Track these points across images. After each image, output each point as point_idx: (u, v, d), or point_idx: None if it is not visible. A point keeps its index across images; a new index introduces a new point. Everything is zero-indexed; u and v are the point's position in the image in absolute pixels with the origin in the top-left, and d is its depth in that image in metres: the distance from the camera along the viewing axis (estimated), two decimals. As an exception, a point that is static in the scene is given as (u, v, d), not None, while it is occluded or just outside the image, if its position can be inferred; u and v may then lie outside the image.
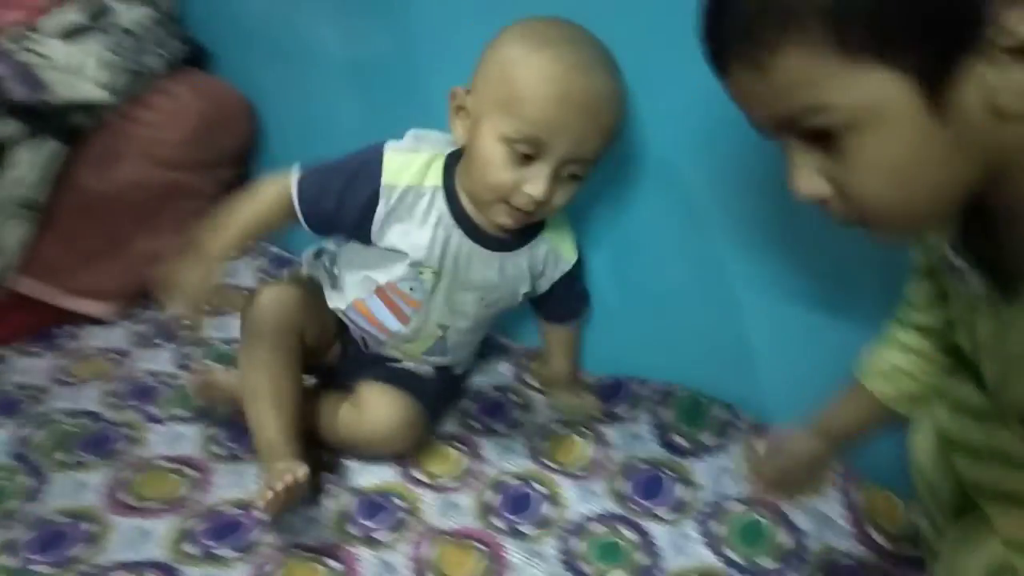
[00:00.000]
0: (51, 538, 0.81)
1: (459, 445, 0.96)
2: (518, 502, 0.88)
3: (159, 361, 1.09)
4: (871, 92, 0.45)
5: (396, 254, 0.86)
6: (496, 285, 0.90)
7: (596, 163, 0.81)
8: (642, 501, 0.87)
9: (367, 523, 0.84)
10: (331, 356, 1.00)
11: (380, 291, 0.90)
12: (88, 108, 1.13)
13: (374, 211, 0.84)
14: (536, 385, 1.06)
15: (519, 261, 0.90)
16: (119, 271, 1.18)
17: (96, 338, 1.15)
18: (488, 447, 0.96)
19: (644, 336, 1.00)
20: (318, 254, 0.97)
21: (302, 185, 0.85)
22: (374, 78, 1.12)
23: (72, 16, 1.18)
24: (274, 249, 1.31)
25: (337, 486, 0.89)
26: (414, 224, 0.85)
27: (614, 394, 1.01)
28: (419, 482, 0.90)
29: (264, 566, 0.79)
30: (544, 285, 0.94)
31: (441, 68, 1.02)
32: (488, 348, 1.12)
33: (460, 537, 0.83)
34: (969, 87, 0.43)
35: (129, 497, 0.86)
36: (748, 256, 0.87)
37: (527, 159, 0.77)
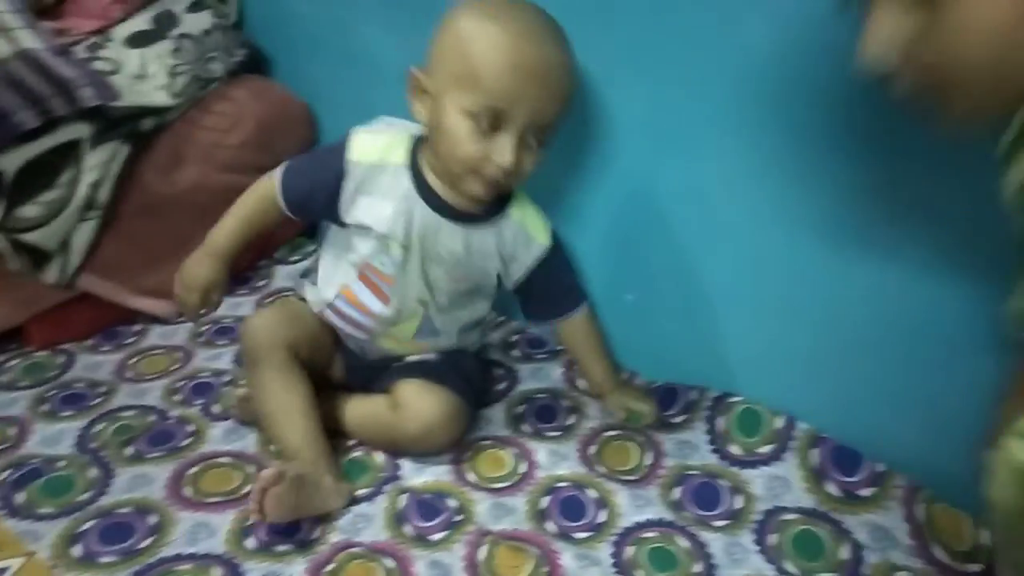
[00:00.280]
0: (117, 530, 0.83)
1: (510, 448, 0.96)
2: (571, 507, 0.88)
3: (220, 360, 1.12)
4: None
5: (364, 230, 0.90)
6: (462, 260, 0.91)
7: (556, 129, 0.85)
8: (696, 510, 0.87)
9: (421, 523, 0.85)
10: (336, 372, 1.02)
11: (362, 275, 0.93)
12: (154, 112, 1.17)
13: (341, 188, 0.89)
14: (586, 389, 1.06)
15: (485, 237, 0.91)
16: (181, 271, 1.21)
17: (159, 337, 1.18)
18: (539, 451, 0.96)
19: (699, 342, 1.00)
20: (304, 273, 1.02)
21: (284, 175, 0.93)
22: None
23: (141, 24, 1.22)
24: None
25: (390, 486, 0.90)
26: (378, 198, 0.89)
27: (669, 402, 1.01)
28: (471, 484, 0.91)
29: (321, 563, 0.80)
30: (518, 270, 0.94)
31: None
32: (538, 351, 1.12)
33: (514, 540, 0.83)
34: None
35: (191, 492, 0.88)
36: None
37: (491, 130, 0.81)
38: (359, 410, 0.96)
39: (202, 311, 0.97)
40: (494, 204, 0.90)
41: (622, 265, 1.03)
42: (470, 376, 0.99)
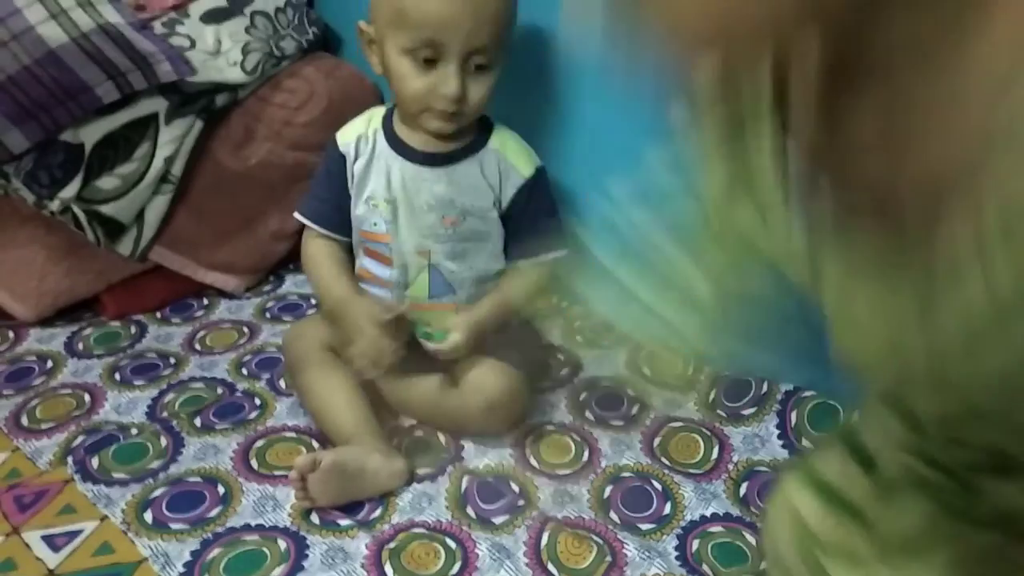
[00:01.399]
0: (187, 498, 0.85)
1: (573, 435, 0.95)
2: (634, 497, 0.86)
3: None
4: None
5: (357, 202, 0.95)
6: (451, 200, 0.92)
7: (502, 49, 0.89)
8: (762, 505, 0.85)
9: (484, 506, 0.85)
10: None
11: (365, 248, 0.96)
12: (228, 88, 1.18)
13: (348, 177, 0.95)
14: (652, 376, 1.04)
15: (469, 171, 0.93)
16: (249, 247, 1.23)
17: (226, 311, 1.20)
18: (603, 439, 0.95)
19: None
20: None
21: (305, 214, 0.98)
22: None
23: (217, 1, 1.23)
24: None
25: (453, 467, 0.90)
26: (368, 168, 0.94)
27: (739, 394, 0.98)
28: (534, 469, 0.90)
29: (384, 540, 0.80)
30: (503, 200, 0.94)
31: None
32: (603, 337, 1.11)
33: (577, 528, 0.82)
34: None
35: (258, 464, 0.90)
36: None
37: (432, 63, 0.85)
38: (419, 389, 0.95)
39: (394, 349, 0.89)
40: (474, 139, 0.94)
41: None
42: (526, 349, 0.99)
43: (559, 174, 1.02)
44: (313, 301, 1.20)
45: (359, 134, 0.95)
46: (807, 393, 0.95)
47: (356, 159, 0.94)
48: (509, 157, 0.94)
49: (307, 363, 0.93)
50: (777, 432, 0.93)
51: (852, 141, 0.33)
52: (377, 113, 0.97)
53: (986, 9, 0.28)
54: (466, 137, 0.93)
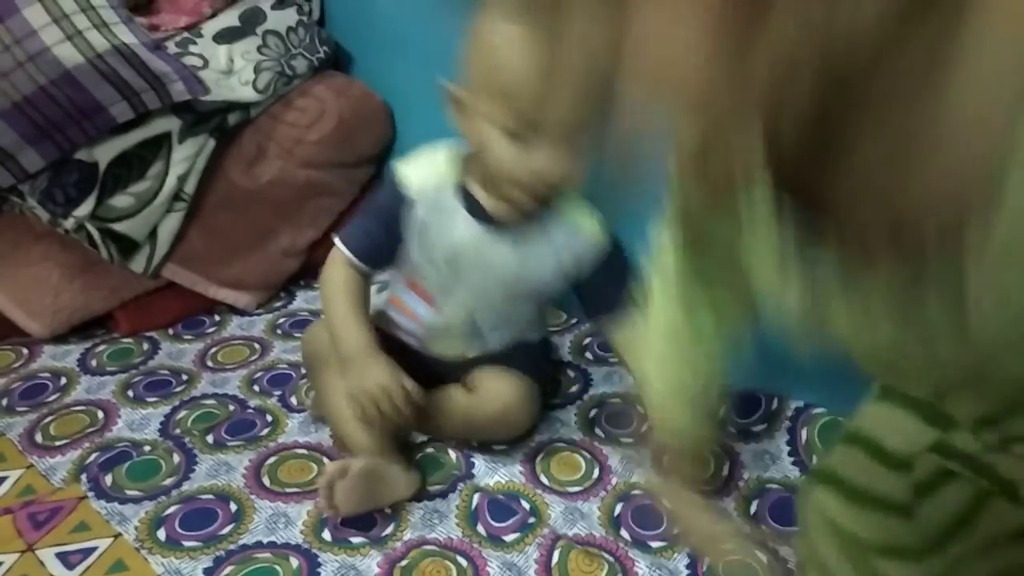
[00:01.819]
0: (200, 515, 0.85)
1: (583, 452, 0.95)
2: (644, 514, 0.86)
3: (296, 352, 1.13)
4: None
5: (415, 247, 0.90)
6: (514, 269, 0.90)
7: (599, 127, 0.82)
8: (773, 524, 0.84)
9: (494, 523, 0.85)
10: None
11: (411, 283, 0.93)
12: (240, 107, 1.19)
13: (407, 222, 0.88)
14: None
15: (537, 240, 0.89)
16: (261, 264, 1.24)
17: (237, 327, 1.21)
18: (613, 457, 0.95)
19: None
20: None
21: (347, 242, 0.90)
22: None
23: (229, 20, 1.25)
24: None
25: (464, 484, 0.90)
26: (435, 220, 0.88)
27: (749, 410, 0.99)
28: (545, 486, 0.91)
29: (395, 558, 0.81)
30: (572, 270, 0.91)
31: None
32: (612, 354, 1.11)
33: (588, 545, 0.82)
34: None
35: (270, 481, 0.90)
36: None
37: (531, 140, 0.78)
38: (434, 397, 0.94)
39: (405, 410, 0.85)
40: (541, 212, 0.88)
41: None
42: (537, 358, 0.99)
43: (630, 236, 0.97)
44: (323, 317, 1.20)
45: (431, 182, 0.88)
46: (817, 410, 0.95)
47: (423, 205, 0.88)
48: (580, 226, 0.90)
49: (326, 364, 0.91)
50: (788, 449, 0.93)
51: (853, 175, 0.33)
52: (448, 160, 0.89)
53: (967, 33, 0.28)
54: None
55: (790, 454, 0.93)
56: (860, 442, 0.55)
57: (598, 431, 0.99)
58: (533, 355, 0.99)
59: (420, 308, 0.94)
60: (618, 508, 0.87)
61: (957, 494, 0.50)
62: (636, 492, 0.89)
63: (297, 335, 1.18)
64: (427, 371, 0.95)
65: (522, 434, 0.95)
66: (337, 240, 0.91)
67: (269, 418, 1.00)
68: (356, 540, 0.82)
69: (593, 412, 1.02)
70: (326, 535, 0.83)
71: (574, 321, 1.18)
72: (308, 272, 1.29)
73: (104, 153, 1.09)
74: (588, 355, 1.13)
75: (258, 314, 1.24)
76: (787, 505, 0.86)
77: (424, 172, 0.89)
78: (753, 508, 0.87)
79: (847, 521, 0.54)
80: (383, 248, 0.90)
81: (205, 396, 1.04)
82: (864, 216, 0.32)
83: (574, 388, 1.06)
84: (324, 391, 0.93)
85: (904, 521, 0.51)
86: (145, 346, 1.15)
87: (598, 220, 0.91)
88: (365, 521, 0.84)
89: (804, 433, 0.94)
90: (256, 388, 1.06)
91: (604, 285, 0.93)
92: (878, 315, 0.39)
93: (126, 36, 1.09)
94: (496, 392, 0.91)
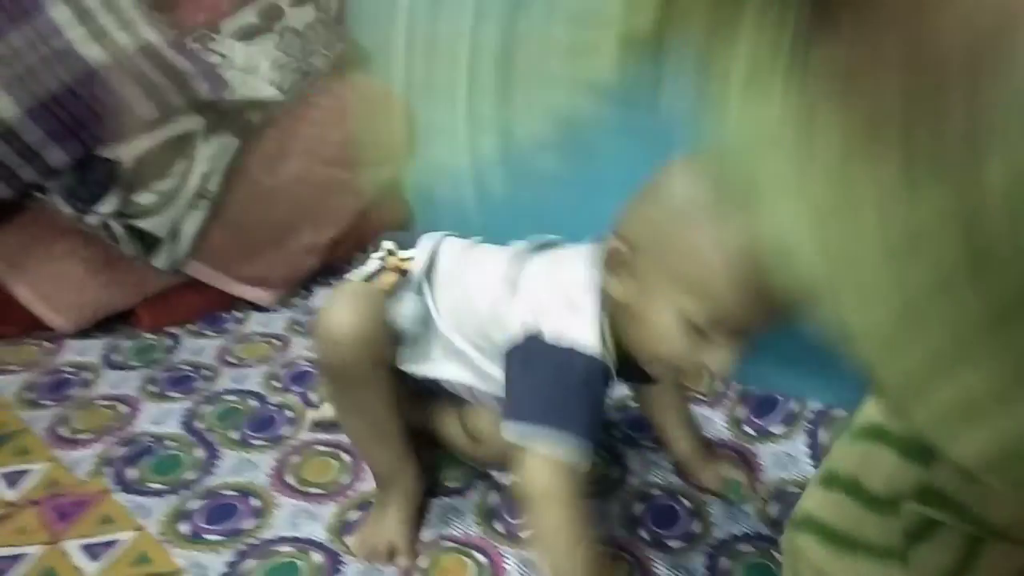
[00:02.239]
0: (221, 510, 0.86)
1: (602, 452, 0.96)
2: (663, 515, 0.87)
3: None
4: None
5: None
6: None
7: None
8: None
9: (512, 520, 0.86)
10: None
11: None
12: (262, 106, 1.20)
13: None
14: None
15: None
16: (281, 261, 1.25)
17: (258, 324, 1.22)
18: (632, 458, 0.95)
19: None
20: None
21: (580, 446, 0.67)
22: (531, 82, 1.13)
23: (249, 18, 1.26)
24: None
25: (480, 481, 0.91)
26: None
27: (768, 411, 0.98)
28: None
29: (416, 557, 0.81)
30: None
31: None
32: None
33: (607, 545, 0.83)
34: None
35: (293, 479, 0.91)
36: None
37: (706, 333, 0.64)
38: (442, 435, 0.90)
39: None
40: None
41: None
42: None
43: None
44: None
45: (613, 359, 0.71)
46: (838, 412, 0.95)
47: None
48: None
49: (350, 382, 0.77)
50: (808, 451, 0.93)
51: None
52: (596, 321, 0.70)
53: None
54: None
55: (810, 456, 0.92)
56: (839, 484, 0.52)
57: (615, 432, 0.99)
58: None
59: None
60: (637, 508, 0.88)
61: (950, 538, 0.47)
62: (653, 492, 0.90)
63: (316, 332, 1.19)
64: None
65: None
66: (559, 450, 0.66)
67: (290, 414, 1.01)
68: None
69: (614, 415, 1.02)
70: (348, 540, 0.83)
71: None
72: (328, 269, 1.30)
73: (129, 151, 1.11)
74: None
75: (278, 311, 1.25)
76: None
77: (595, 337, 0.69)
78: (773, 511, 0.86)
79: (838, 571, 0.50)
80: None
81: (227, 392, 1.05)
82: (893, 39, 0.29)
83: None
84: (344, 407, 0.82)
85: (901, 568, 0.48)
86: (167, 342, 1.16)
87: None
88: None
89: (824, 435, 0.93)
90: (277, 384, 1.07)
91: None
92: (862, 182, 0.32)
93: (151, 36, 1.10)
94: (504, 446, 0.89)
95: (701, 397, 1.03)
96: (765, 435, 0.96)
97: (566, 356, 0.68)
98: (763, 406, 1.00)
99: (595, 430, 0.69)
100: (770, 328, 0.65)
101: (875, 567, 0.49)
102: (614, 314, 0.70)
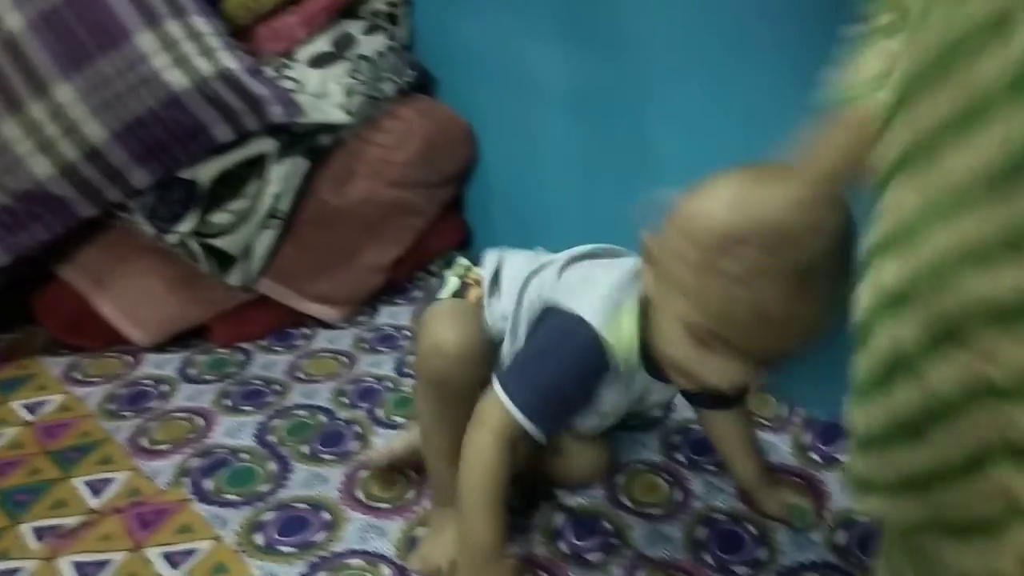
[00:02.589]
0: (294, 522, 0.89)
1: (665, 475, 0.96)
2: (728, 540, 0.87)
3: (382, 366, 1.18)
4: None
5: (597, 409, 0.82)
6: (661, 399, 0.88)
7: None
8: (859, 554, 0.84)
9: (577, 542, 0.87)
10: None
11: None
12: (331, 129, 1.24)
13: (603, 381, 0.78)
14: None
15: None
16: (348, 280, 1.28)
17: (325, 340, 1.25)
18: (694, 481, 0.95)
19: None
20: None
21: (530, 414, 0.72)
22: (594, 107, 1.15)
23: (323, 46, 1.30)
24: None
25: (545, 502, 0.92)
26: (616, 382, 0.79)
27: (835, 437, 0.98)
28: (626, 508, 0.92)
29: None
30: None
31: (665, 101, 1.04)
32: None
33: (671, 569, 0.83)
34: None
35: (362, 494, 0.93)
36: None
37: (710, 343, 0.64)
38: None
39: None
40: None
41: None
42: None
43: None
44: (407, 333, 1.24)
45: (625, 345, 0.74)
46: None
47: (614, 372, 0.76)
48: None
49: (453, 399, 0.78)
50: (874, 480, 0.92)
51: None
52: (632, 320, 0.74)
53: None
54: None
55: (877, 485, 0.92)
56: None
57: (678, 455, 0.99)
58: None
59: None
60: (700, 532, 0.88)
61: None
62: (719, 517, 0.90)
63: (381, 349, 1.22)
64: None
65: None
66: (514, 409, 0.72)
67: (358, 430, 1.04)
68: (444, 554, 0.85)
69: (675, 438, 1.02)
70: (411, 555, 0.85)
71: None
72: (393, 288, 1.34)
73: (206, 172, 1.15)
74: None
75: (344, 328, 1.28)
76: (873, 535, 0.85)
77: (622, 336, 0.74)
78: (841, 539, 0.86)
79: None
80: (568, 415, 0.79)
81: (297, 407, 1.08)
82: None
83: (656, 412, 1.07)
84: (434, 421, 0.82)
85: None
86: (239, 356, 1.20)
87: None
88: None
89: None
90: (345, 400, 1.10)
91: None
92: None
93: (229, 62, 1.14)
94: (587, 461, 0.94)
95: (766, 423, 1.03)
96: (832, 462, 0.96)
97: (571, 324, 0.73)
98: (829, 433, 0.99)
99: (568, 404, 0.76)
100: (794, 356, 0.65)
101: None
102: (648, 312, 0.72)
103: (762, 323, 0.60)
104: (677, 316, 0.65)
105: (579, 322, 0.73)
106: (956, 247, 0.39)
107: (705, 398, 0.89)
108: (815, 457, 0.97)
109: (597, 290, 0.75)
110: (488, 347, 0.81)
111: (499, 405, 0.72)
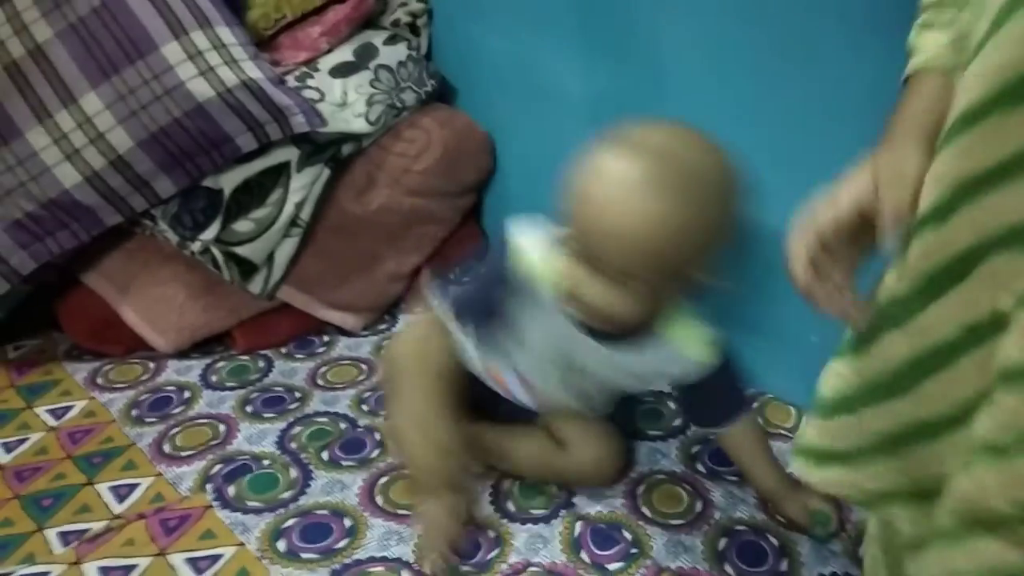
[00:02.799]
0: (316, 529, 0.89)
1: (686, 486, 0.96)
2: (749, 551, 0.87)
3: (401, 374, 1.18)
4: None
5: (525, 341, 0.88)
6: (607, 377, 0.89)
7: (673, 278, 0.75)
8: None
9: (598, 552, 0.87)
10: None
11: (519, 374, 0.92)
12: (353, 138, 1.25)
13: (509, 295, 0.86)
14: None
15: (629, 358, 0.84)
16: (368, 288, 1.29)
17: (345, 348, 1.26)
18: (715, 492, 0.95)
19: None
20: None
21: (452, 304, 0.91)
22: (612, 116, 1.14)
23: (346, 57, 1.31)
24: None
25: (565, 512, 0.92)
26: (539, 313, 0.85)
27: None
28: (646, 517, 0.91)
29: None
30: (673, 381, 0.90)
31: (682, 110, 1.03)
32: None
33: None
34: None
35: (383, 501, 0.94)
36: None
37: (588, 262, 0.74)
38: (523, 451, 0.96)
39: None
40: (642, 330, 0.82)
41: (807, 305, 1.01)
42: (628, 415, 1.02)
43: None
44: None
45: (536, 268, 0.83)
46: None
47: (526, 294, 0.85)
48: (683, 350, 0.84)
49: (409, 382, 0.92)
50: (896, 492, 0.92)
51: None
52: (552, 251, 0.82)
53: None
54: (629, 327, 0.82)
55: (899, 497, 0.91)
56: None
57: (699, 466, 0.99)
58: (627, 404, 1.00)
59: (521, 395, 0.94)
60: (722, 543, 0.88)
61: None
62: (740, 528, 0.89)
63: (402, 358, 1.22)
64: (509, 406, 0.97)
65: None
66: (440, 309, 0.88)
67: (378, 436, 1.04)
68: (465, 568, 0.85)
69: (696, 448, 1.02)
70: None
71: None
72: (411, 297, 1.34)
73: (229, 180, 1.16)
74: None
75: (364, 335, 1.29)
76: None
77: (543, 267, 0.82)
78: (862, 550, 0.85)
79: None
80: (486, 313, 0.89)
81: (317, 414, 1.09)
82: None
83: (677, 421, 1.07)
84: (395, 416, 0.94)
85: None
86: (260, 363, 1.21)
87: (709, 338, 0.85)
88: (471, 546, 0.87)
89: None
90: (365, 407, 1.10)
91: (708, 399, 0.91)
92: None
93: (253, 72, 1.16)
94: (591, 452, 0.94)
95: (787, 433, 1.03)
96: (853, 474, 0.95)
97: (499, 254, 0.85)
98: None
99: (477, 301, 0.91)
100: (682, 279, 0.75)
101: None
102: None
103: (603, 232, 0.72)
104: (562, 235, 0.77)
105: (505, 239, 0.85)
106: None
107: (703, 416, 0.95)
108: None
109: (542, 229, 0.85)
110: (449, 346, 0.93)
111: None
